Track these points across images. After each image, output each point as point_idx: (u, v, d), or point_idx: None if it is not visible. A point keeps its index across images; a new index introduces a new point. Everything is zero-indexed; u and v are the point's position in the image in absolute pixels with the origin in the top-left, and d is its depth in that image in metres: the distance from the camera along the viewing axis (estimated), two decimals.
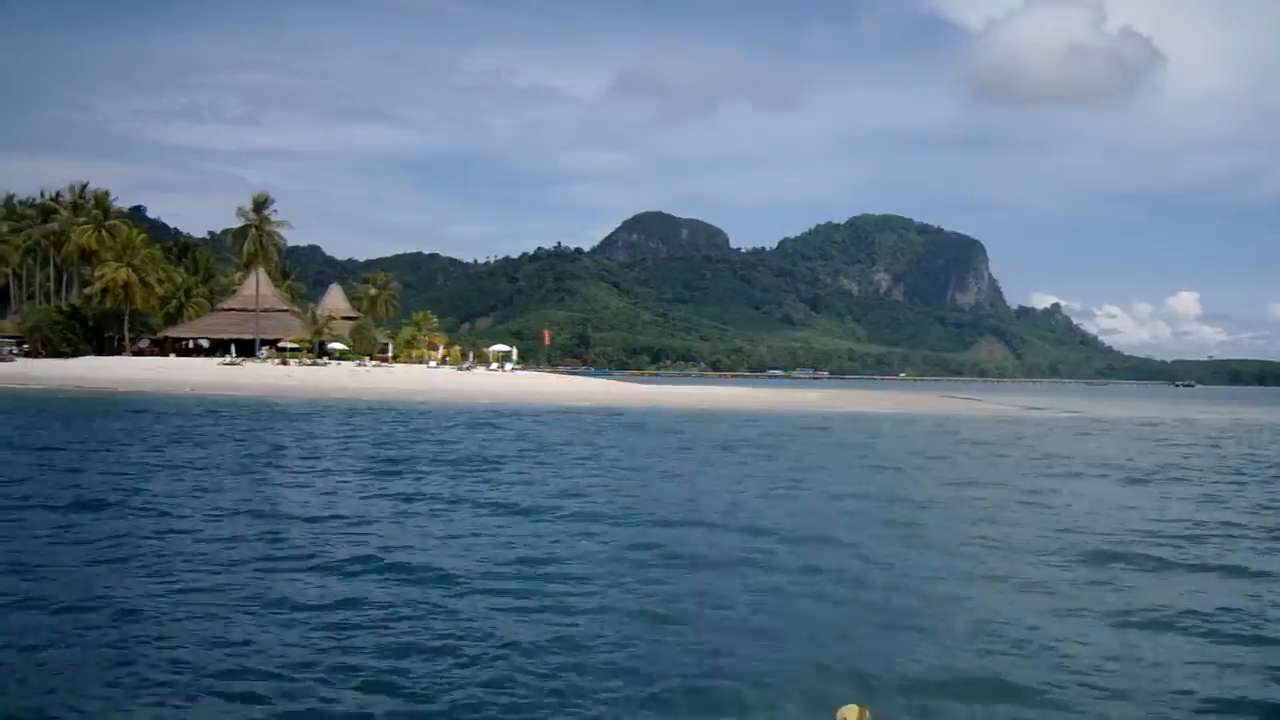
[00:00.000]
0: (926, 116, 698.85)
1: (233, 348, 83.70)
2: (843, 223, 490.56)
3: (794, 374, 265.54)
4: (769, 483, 20.98)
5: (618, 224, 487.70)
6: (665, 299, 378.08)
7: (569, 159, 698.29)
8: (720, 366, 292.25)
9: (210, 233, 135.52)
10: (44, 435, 28.30)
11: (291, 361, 79.40)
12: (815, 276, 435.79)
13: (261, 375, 69.82)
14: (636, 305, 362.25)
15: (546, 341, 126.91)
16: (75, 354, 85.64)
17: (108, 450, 24.11)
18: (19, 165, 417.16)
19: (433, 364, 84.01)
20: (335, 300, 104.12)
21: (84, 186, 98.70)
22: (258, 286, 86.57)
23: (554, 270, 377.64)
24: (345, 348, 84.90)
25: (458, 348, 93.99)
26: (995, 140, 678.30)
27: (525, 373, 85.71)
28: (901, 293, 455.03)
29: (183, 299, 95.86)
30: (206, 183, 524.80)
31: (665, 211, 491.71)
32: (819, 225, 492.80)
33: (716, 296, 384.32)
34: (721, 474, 22.73)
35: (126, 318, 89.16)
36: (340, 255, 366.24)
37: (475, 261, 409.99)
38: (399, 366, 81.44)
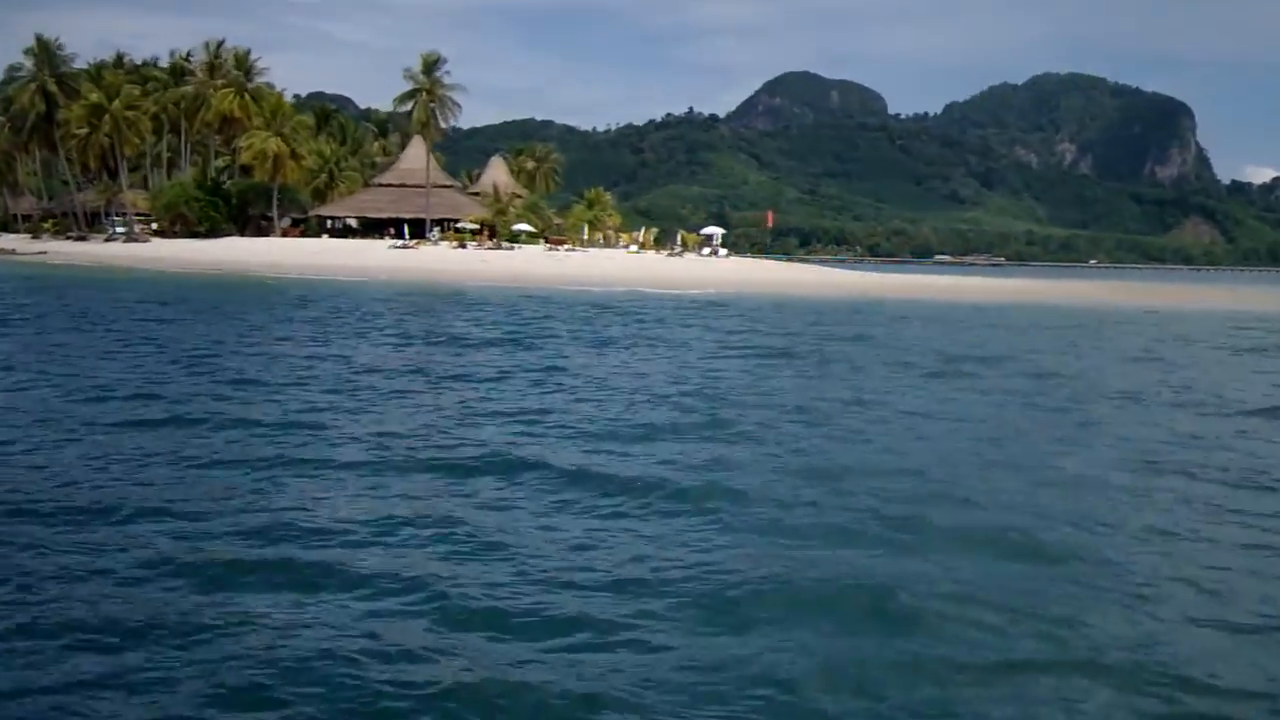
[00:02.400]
0: None
1: (405, 228, 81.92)
2: (1021, 83, 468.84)
3: (966, 260, 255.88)
4: None
5: (757, 86, 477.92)
6: (813, 173, 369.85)
7: (700, 8, 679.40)
8: (878, 251, 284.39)
9: (295, 96, 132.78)
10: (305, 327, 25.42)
11: (470, 245, 77.03)
12: (987, 147, 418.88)
13: (447, 260, 68.00)
14: (780, 180, 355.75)
15: (770, 222, 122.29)
16: (212, 233, 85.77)
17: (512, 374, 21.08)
18: (69, 20, 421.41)
19: (633, 247, 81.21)
20: (498, 174, 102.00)
21: (219, 44, 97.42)
22: (428, 160, 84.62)
23: (684, 140, 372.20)
24: (533, 229, 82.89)
25: (651, 230, 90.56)
26: None
27: (736, 259, 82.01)
28: (1090, 165, 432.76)
29: (334, 172, 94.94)
30: (287, 39, 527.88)
31: (813, 71, 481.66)
32: (992, 87, 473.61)
33: (872, 170, 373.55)
34: None
35: (275, 194, 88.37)
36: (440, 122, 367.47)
37: (593, 130, 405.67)
38: (591, 250, 78.44)
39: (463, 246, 77.12)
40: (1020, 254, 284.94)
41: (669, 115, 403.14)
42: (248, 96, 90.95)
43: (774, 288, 58.27)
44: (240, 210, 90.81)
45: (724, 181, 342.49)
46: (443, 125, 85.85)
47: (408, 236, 79.81)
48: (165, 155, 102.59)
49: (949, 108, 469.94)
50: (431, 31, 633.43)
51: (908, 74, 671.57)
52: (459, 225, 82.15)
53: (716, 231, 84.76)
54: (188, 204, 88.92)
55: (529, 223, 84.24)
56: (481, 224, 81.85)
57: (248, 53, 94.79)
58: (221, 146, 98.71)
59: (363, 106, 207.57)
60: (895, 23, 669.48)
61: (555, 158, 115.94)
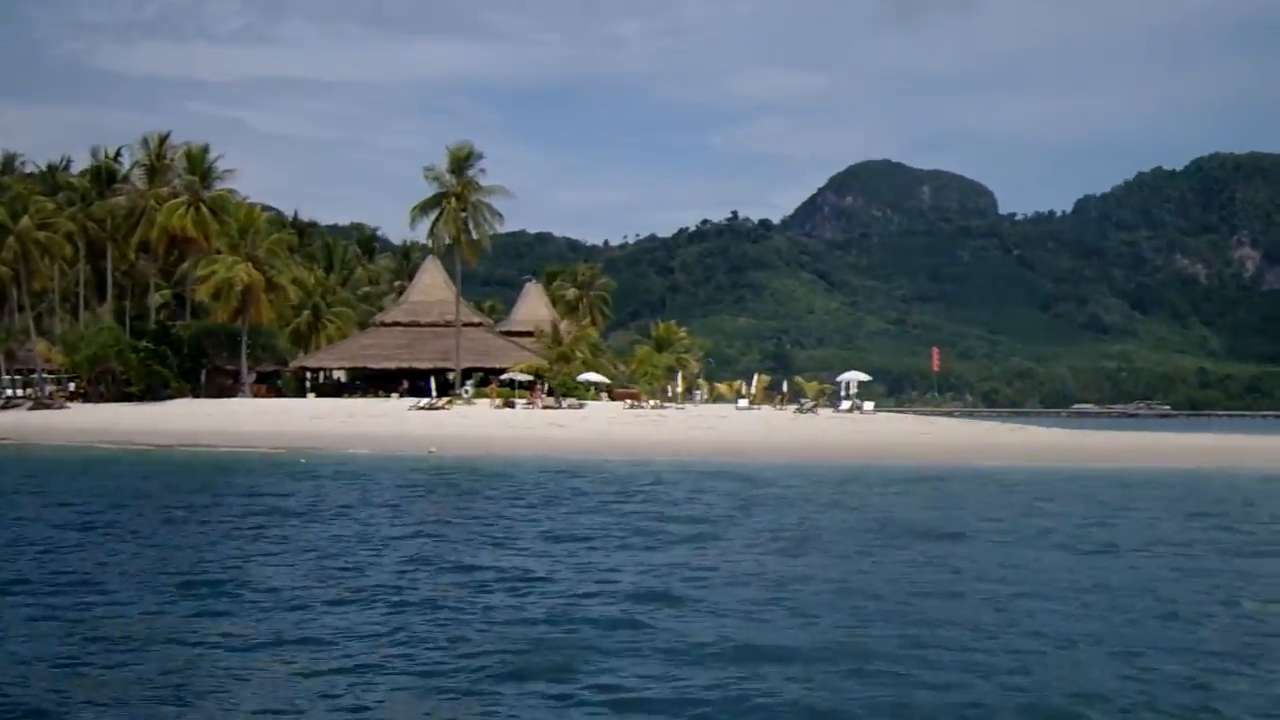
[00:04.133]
0: None
1: (431, 382, 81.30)
2: (1180, 169, 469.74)
3: (1115, 409, 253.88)
4: None
5: (822, 182, 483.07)
6: (901, 295, 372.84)
7: (742, 80, 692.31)
8: (995, 400, 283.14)
9: None
10: None
11: (519, 402, 75.61)
12: (1138, 256, 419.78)
13: (504, 425, 65.98)
14: (857, 306, 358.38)
15: (936, 365, 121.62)
16: (150, 394, 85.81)
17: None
18: None
19: (742, 402, 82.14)
20: (535, 306, 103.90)
21: (163, 139, 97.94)
22: (457, 289, 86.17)
23: (727, 255, 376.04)
24: (604, 380, 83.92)
25: (763, 378, 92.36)
26: None
27: (885, 414, 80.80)
28: None
29: (319, 308, 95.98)
30: (192, 130, 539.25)
31: (895, 160, 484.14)
32: (1142, 175, 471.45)
33: (982, 291, 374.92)
34: None
35: (244, 338, 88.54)
36: (399, 237, 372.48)
37: (605, 244, 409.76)
38: (686, 407, 77.44)
39: (510, 405, 76.07)
40: (1193, 400, 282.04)
41: (705, 223, 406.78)
42: (205, 209, 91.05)
43: (985, 454, 56.52)
44: (194, 363, 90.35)
45: (781, 310, 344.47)
46: (477, 240, 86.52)
47: (434, 393, 77.62)
48: (81, 291, 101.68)
49: (1082, 204, 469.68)
50: (383, 118, 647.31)
51: (1024, 160, 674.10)
52: (506, 377, 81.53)
53: (853, 377, 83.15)
54: (120, 355, 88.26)
55: (600, 371, 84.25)
56: (537, 374, 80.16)
57: (204, 150, 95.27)
58: (159, 278, 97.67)
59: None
60: (1005, 91, 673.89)
61: (604, 282, 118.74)
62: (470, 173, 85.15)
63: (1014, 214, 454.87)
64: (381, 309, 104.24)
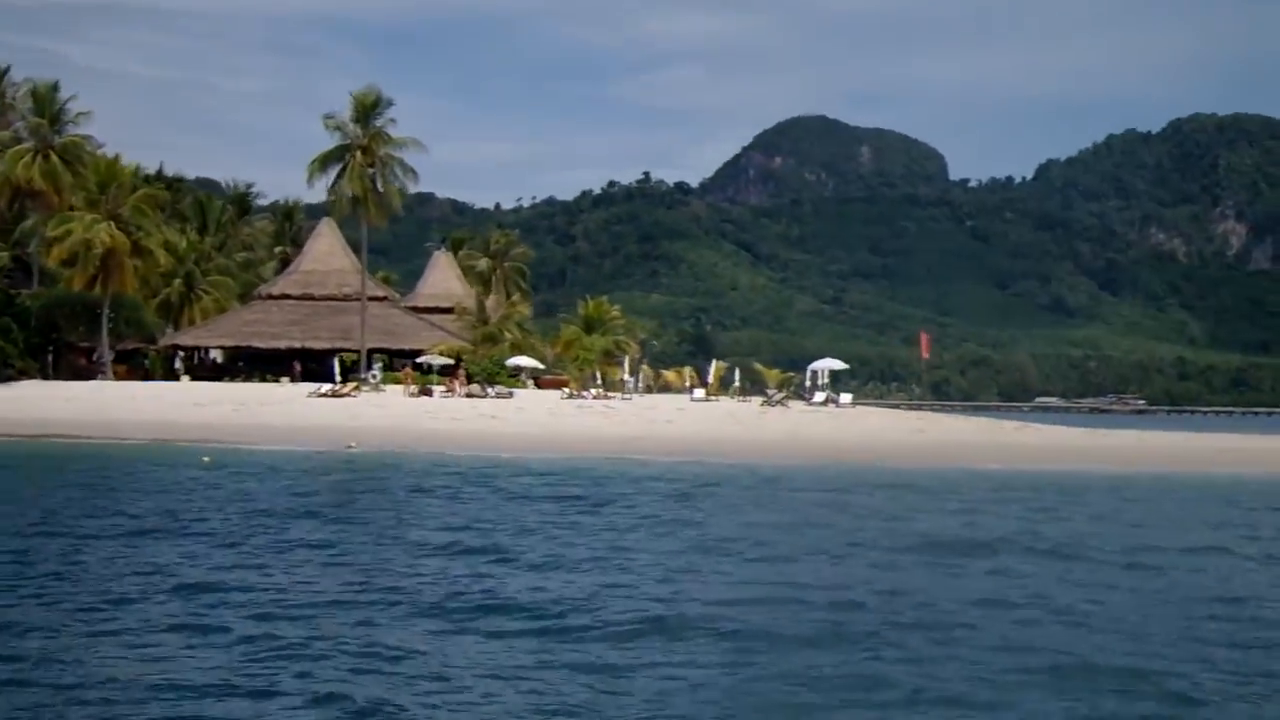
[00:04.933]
0: None
1: (335, 365, 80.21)
2: (1156, 131, 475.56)
3: (1084, 403, 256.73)
4: None
5: (747, 140, 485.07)
6: (837, 271, 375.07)
7: (652, 24, 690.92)
8: (947, 392, 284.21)
9: None
10: None
11: (437, 389, 75.77)
12: (1107, 229, 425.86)
13: (431, 416, 65.18)
14: (787, 283, 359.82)
15: (925, 353, 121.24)
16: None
17: None
18: None
19: (698, 392, 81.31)
20: (446, 278, 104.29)
21: (3, 74, 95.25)
22: (364, 257, 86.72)
23: (637, 221, 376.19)
24: (538, 365, 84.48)
25: (720, 367, 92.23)
26: None
27: (858, 407, 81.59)
28: (1268, 254, 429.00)
29: (193, 276, 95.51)
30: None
31: (831, 116, 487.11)
32: (1112, 138, 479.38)
33: (930, 267, 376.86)
34: None
35: (106, 312, 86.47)
36: (268, 196, 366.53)
37: (498, 207, 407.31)
38: (630, 398, 78.46)
39: (426, 393, 75.35)
40: (1171, 394, 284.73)
41: (613, 185, 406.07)
42: (55, 158, 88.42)
43: (1019, 456, 55.83)
44: (44, 339, 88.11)
45: (700, 286, 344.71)
46: (388, 204, 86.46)
47: (338, 376, 77.27)
48: None
49: (1045, 170, 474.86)
50: (230, 57, 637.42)
51: (979, 119, 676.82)
52: (423, 360, 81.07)
53: (825, 365, 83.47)
54: None
55: (531, 354, 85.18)
56: (458, 358, 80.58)
57: (53, 89, 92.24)
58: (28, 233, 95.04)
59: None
60: (958, 40, 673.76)
61: (521, 252, 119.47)
62: (378, 122, 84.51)
63: (967, 180, 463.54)
64: (262, 279, 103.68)
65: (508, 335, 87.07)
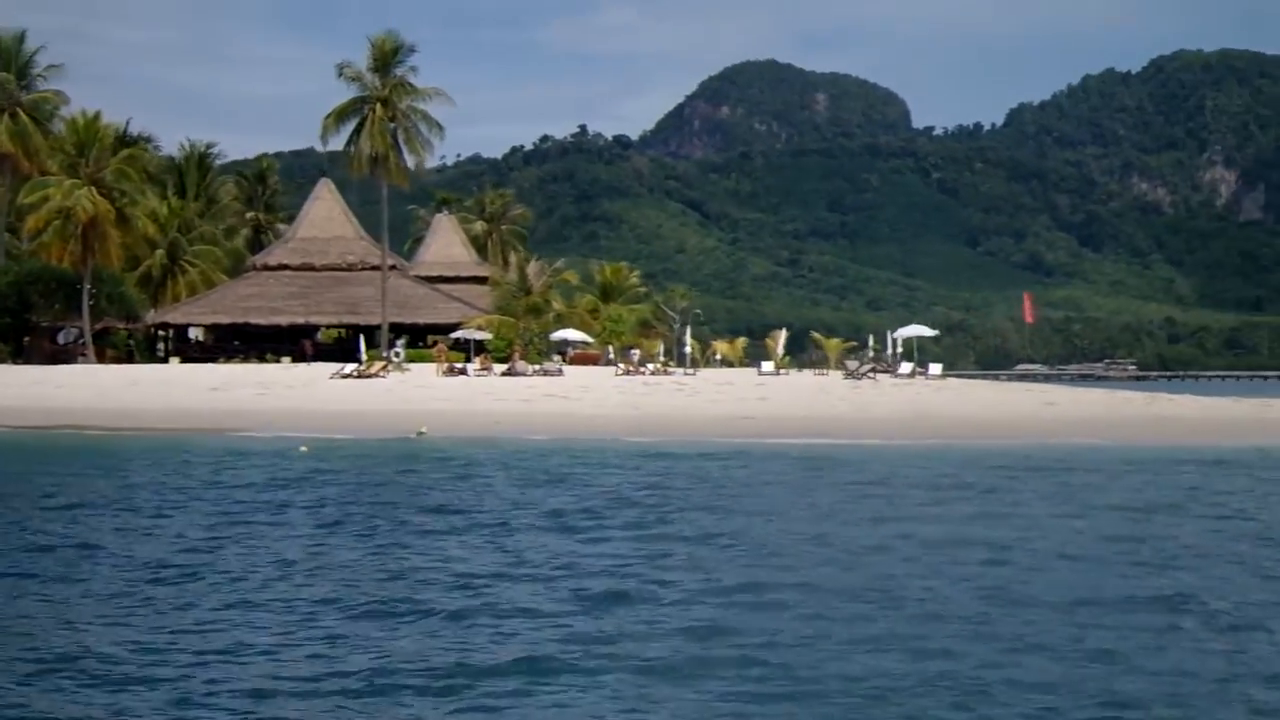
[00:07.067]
0: None
1: (361, 343, 77.03)
2: (1137, 71, 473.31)
3: (1070, 370, 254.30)
4: None
5: (691, 88, 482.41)
6: (792, 231, 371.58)
7: None
8: (916, 357, 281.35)
9: None
10: None
11: (471, 368, 71.99)
12: (1085, 178, 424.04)
13: (480, 398, 60.31)
14: (738, 244, 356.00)
15: (1029, 316, 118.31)
16: None
17: None
18: None
19: (767, 366, 78.82)
20: (450, 243, 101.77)
21: None
22: (385, 220, 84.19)
23: (573, 179, 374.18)
24: (587, 339, 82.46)
25: (737, 342, 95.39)
26: None
27: (950, 379, 79.03)
28: (1259, 203, 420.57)
29: (178, 246, 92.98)
30: None
31: (782, 60, 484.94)
32: (1089, 79, 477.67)
33: (893, 224, 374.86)
34: None
35: (87, 285, 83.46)
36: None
37: (418, 166, 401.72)
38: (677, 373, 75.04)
39: (461, 371, 71.53)
40: (1163, 357, 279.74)
41: (546, 139, 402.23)
42: (25, 117, 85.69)
43: (1193, 431, 51.48)
44: (17, 319, 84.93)
45: (644, 249, 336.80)
46: (409, 163, 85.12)
47: (363, 356, 73.93)
48: None
49: (1016, 115, 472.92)
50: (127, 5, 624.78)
51: (944, 61, 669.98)
52: (458, 335, 78.51)
53: (912, 332, 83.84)
54: None
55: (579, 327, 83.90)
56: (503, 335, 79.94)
57: (20, 40, 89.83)
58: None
59: None
60: None
61: (520, 213, 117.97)
62: (399, 71, 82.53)
63: (932, 128, 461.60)
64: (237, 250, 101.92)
65: (555, 307, 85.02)
